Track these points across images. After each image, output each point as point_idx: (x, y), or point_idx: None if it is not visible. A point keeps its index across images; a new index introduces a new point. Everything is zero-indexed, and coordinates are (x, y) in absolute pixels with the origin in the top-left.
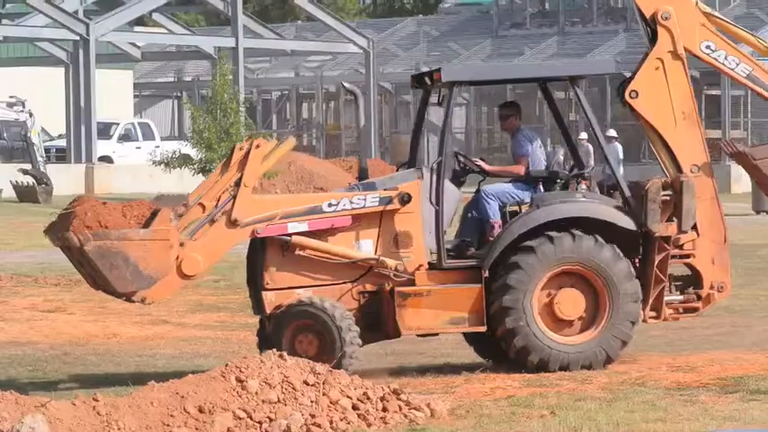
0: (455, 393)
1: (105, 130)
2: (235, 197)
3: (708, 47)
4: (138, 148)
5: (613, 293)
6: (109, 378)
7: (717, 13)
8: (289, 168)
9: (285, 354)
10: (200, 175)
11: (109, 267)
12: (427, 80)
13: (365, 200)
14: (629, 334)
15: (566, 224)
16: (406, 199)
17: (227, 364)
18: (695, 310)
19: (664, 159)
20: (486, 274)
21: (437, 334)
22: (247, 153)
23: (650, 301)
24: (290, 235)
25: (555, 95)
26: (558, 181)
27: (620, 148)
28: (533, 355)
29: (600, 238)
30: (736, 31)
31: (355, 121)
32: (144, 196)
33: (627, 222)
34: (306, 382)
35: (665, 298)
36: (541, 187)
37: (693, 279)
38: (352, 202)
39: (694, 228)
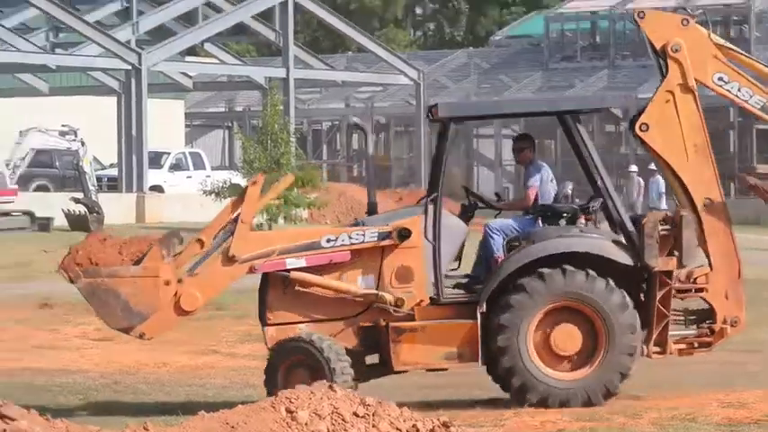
0: (505, 426)
1: (156, 160)
2: (232, 233)
3: (720, 78)
4: (189, 177)
5: (609, 326)
6: (159, 407)
7: (730, 45)
8: (338, 199)
9: (335, 385)
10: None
11: (100, 304)
12: (429, 115)
13: (364, 235)
14: (627, 366)
15: (561, 259)
16: (404, 234)
17: (277, 395)
18: (709, 344)
19: (677, 192)
20: (483, 309)
21: (435, 370)
22: (245, 190)
23: (654, 336)
24: (288, 271)
25: (578, 128)
26: (565, 215)
27: (661, 181)
28: (532, 393)
29: (592, 272)
30: (751, 63)
31: (365, 152)
32: (194, 225)
33: (622, 257)
34: (355, 414)
35: (680, 332)
36: (541, 222)
37: (707, 313)
38: (350, 238)
39: (708, 262)
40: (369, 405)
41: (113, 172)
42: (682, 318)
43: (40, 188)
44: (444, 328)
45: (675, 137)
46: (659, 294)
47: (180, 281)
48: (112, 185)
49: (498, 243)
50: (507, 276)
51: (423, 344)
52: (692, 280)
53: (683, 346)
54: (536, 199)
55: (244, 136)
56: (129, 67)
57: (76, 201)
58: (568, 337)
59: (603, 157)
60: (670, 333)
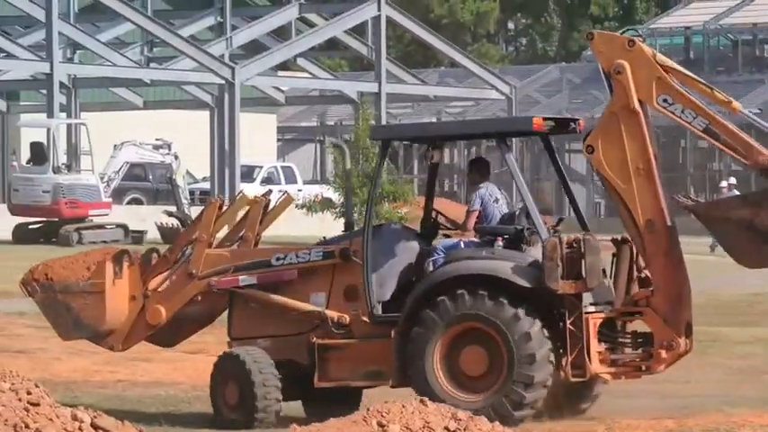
0: None
1: (249, 174)
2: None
3: (665, 100)
4: (281, 191)
5: (509, 353)
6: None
7: (677, 66)
8: None
9: (426, 399)
10: (342, 219)
11: (53, 317)
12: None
13: (309, 254)
14: (522, 395)
15: (477, 281)
16: (346, 254)
17: (368, 409)
18: (648, 369)
19: (622, 214)
20: (394, 331)
21: (355, 388)
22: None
23: (570, 358)
24: (241, 287)
25: (504, 149)
26: (505, 236)
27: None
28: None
29: (503, 297)
30: (696, 84)
31: (343, 172)
32: (285, 239)
33: (520, 279)
34: (447, 428)
35: (618, 356)
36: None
37: (647, 337)
38: (297, 257)
39: (648, 285)
40: (460, 419)
41: (206, 185)
42: (624, 341)
43: (133, 201)
44: (365, 347)
45: (619, 159)
46: (570, 317)
47: (146, 296)
48: (205, 199)
49: (438, 262)
50: (419, 298)
51: (345, 362)
52: (635, 303)
53: (614, 369)
54: (479, 221)
55: (336, 150)
56: (223, 82)
57: (169, 214)
58: (474, 360)
59: (697, 173)
60: (612, 357)
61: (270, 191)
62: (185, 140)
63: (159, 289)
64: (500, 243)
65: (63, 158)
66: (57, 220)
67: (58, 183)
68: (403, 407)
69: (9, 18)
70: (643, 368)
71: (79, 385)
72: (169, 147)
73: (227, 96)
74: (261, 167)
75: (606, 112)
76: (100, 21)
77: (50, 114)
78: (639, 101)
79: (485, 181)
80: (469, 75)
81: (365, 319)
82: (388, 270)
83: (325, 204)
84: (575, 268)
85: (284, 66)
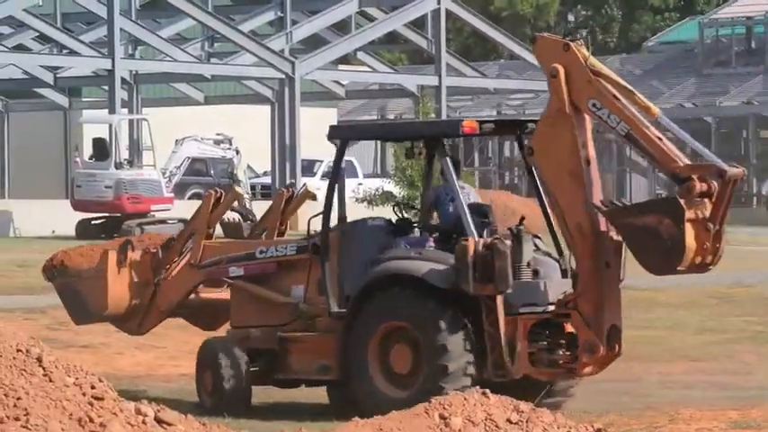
0: None
1: (309, 168)
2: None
3: (594, 104)
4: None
5: (428, 350)
6: (315, 413)
7: (606, 71)
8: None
9: (488, 391)
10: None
11: (66, 301)
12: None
13: (286, 248)
14: (443, 390)
15: (405, 280)
16: (316, 249)
17: (430, 401)
18: (572, 371)
19: (557, 217)
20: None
21: (310, 383)
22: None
23: (489, 358)
24: (231, 278)
25: (441, 153)
26: (454, 237)
27: None
28: (370, 407)
29: (425, 298)
30: (621, 89)
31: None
32: None
33: (438, 281)
34: (509, 420)
35: (548, 357)
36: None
37: (572, 339)
38: (276, 250)
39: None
40: (522, 411)
41: (267, 180)
42: (561, 342)
43: (195, 196)
44: (321, 341)
45: (554, 161)
46: (488, 318)
47: (157, 283)
48: (266, 193)
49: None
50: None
51: (303, 355)
52: (565, 305)
53: (547, 370)
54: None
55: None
56: (283, 76)
57: (231, 209)
58: (402, 357)
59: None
60: (545, 358)
61: (292, 183)
62: (246, 135)
63: (168, 278)
64: (431, 243)
65: (125, 154)
66: (119, 215)
67: (121, 178)
68: (465, 399)
69: (71, 15)
70: (572, 370)
71: (143, 379)
72: (230, 142)
73: (287, 91)
74: (321, 162)
75: (543, 116)
76: (161, 17)
77: (112, 110)
78: (573, 104)
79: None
80: (529, 67)
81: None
82: (357, 265)
83: (386, 198)
84: (487, 271)
85: (344, 60)
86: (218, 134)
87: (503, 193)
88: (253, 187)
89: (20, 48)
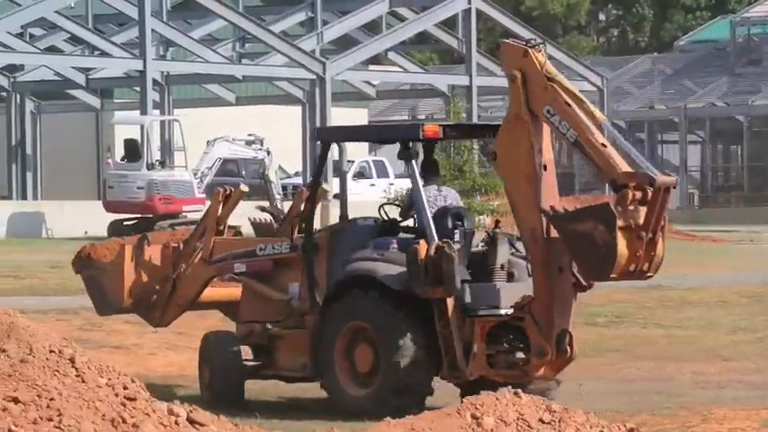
0: None
1: (340, 168)
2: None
3: (548, 111)
4: (373, 185)
5: (384, 350)
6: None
7: (560, 77)
8: None
9: (520, 391)
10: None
11: (90, 292)
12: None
13: (281, 246)
14: (396, 389)
15: (367, 282)
16: (306, 247)
17: (462, 401)
18: (527, 374)
19: (515, 220)
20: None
21: (293, 380)
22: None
23: (444, 359)
24: (236, 274)
25: (408, 155)
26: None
27: None
28: (339, 404)
29: (383, 300)
30: (572, 95)
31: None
32: None
33: (394, 283)
34: (541, 420)
35: (505, 359)
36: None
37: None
38: (273, 248)
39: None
40: (554, 411)
41: (298, 180)
42: (511, 345)
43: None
44: (302, 339)
45: (512, 166)
46: (439, 321)
47: (176, 277)
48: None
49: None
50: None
51: (285, 352)
52: (521, 308)
53: (503, 372)
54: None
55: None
56: (314, 77)
57: (262, 209)
58: (364, 356)
59: None
60: (501, 360)
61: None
62: (277, 136)
63: (185, 272)
64: (395, 245)
65: (157, 155)
66: (151, 216)
67: (152, 179)
68: (497, 399)
69: (103, 16)
70: (526, 373)
71: (175, 380)
72: (261, 142)
73: (318, 91)
74: (352, 162)
75: (504, 121)
76: (192, 18)
77: (144, 111)
78: (530, 110)
79: (430, 182)
80: (560, 66)
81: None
82: (341, 265)
83: None
84: (437, 274)
85: (375, 60)
86: (249, 135)
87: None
88: (284, 188)
89: (52, 49)
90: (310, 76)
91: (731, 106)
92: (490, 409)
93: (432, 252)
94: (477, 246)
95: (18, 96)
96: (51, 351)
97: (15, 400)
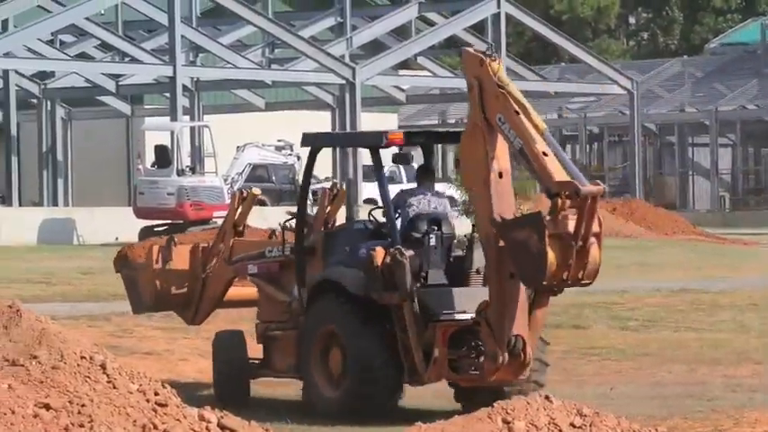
0: None
1: (371, 173)
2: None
3: (500, 119)
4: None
5: (349, 354)
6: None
7: (511, 86)
8: None
9: (551, 395)
10: (464, 216)
11: (127, 291)
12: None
13: (284, 249)
14: (360, 393)
15: (337, 286)
16: (298, 251)
17: (493, 406)
18: (482, 377)
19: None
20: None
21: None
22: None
23: (405, 363)
24: (249, 275)
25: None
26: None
27: None
28: (315, 405)
29: (348, 305)
30: (521, 105)
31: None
32: None
33: (355, 288)
34: (572, 425)
35: (463, 365)
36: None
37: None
38: (278, 250)
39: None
40: (585, 415)
41: (328, 186)
42: (473, 349)
43: (256, 202)
44: (290, 339)
45: (471, 173)
46: (397, 325)
47: (205, 276)
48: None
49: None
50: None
51: (278, 352)
52: (479, 313)
53: (464, 377)
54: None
55: (457, 148)
56: (344, 82)
57: (293, 215)
58: (336, 360)
59: None
60: (462, 365)
61: (334, 183)
62: None
63: (211, 272)
64: (364, 251)
65: (187, 161)
66: (181, 222)
67: (183, 185)
68: (528, 403)
69: (133, 23)
70: (482, 377)
71: (206, 386)
72: (291, 147)
73: (347, 96)
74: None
75: (465, 128)
76: (221, 24)
77: (174, 117)
78: (485, 118)
79: (421, 186)
80: (590, 70)
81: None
82: (368, 269)
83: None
84: (392, 280)
85: (404, 65)
86: (279, 140)
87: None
88: (314, 192)
89: (82, 56)
90: (340, 81)
91: (762, 109)
92: (521, 413)
93: (388, 258)
94: (460, 251)
95: (49, 103)
96: (83, 357)
97: (47, 407)
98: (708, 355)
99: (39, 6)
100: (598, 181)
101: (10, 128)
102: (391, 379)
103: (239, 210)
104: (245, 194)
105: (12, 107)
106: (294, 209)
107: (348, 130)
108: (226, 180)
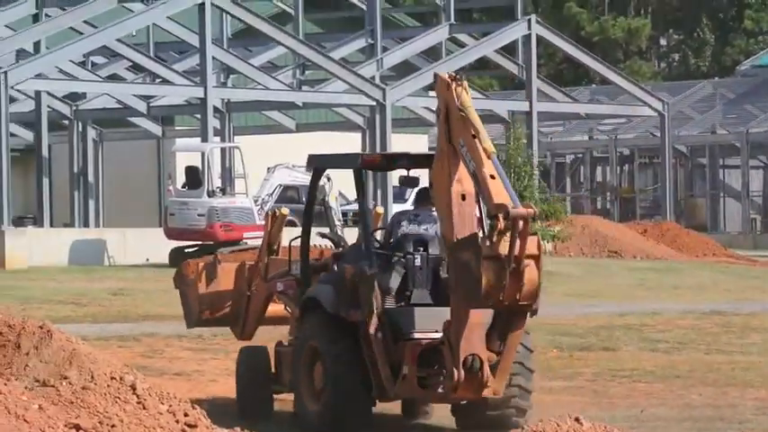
0: None
1: (401, 194)
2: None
3: (461, 143)
4: (433, 211)
5: (325, 370)
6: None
7: (470, 110)
8: (582, 231)
9: (582, 417)
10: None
11: (183, 306)
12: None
13: (291, 268)
14: (334, 407)
15: (317, 303)
16: (316, 269)
17: (523, 428)
18: (444, 394)
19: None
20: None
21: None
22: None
23: (373, 380)
24: (278, 292)
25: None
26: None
27: None
28: (300, 419)
29: (325, 318)
30: (477, 129)
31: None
32: None
33: (330, 305)
34: None
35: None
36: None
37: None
38: (297, 269)
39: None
40: None
41: (371, 209)
42: (440, 367)
43: (287, 224)
44: (290, 354)
45: (439, 196)
46: (364, 342)
47: (250, 293)
48: (358, 220)
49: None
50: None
51: (284, 367)
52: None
53: (431, 393)
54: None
55: None
56: (374, 103)
57: (323, 236)
58: (318, 373)
59: None
60: (432, 382)
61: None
62: None
63: (253, 289)
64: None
65: (217, 182)
66: (212, 243)
67: (213, 206)
68: (557, 425)
69: (164, 44)
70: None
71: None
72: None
73: (378, 117)
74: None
75: (436, 151)
76: (252, 45)
77: (205, 138)
78: (449, 141)
79: (418, 208)
80: (621, 92)
81: None
82: (338, 286)
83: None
84: (356, 298)
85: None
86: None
87: (594, 218)
88: (345, 214)
89: (113, 77)
90: (370, 102)
91: None
92: None
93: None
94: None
95: (80, 124)
96: (113, 378)
97: (77, 427)
98: (739, 378)
99: (70, 28)
100: (530, 204)
101: (42, 149)
102: (362, 394)
103: (271, 230)
104: (276, 214)
105: (43, 128)
106: (325, 230)
107: (378, 151)
108: (256, 201)
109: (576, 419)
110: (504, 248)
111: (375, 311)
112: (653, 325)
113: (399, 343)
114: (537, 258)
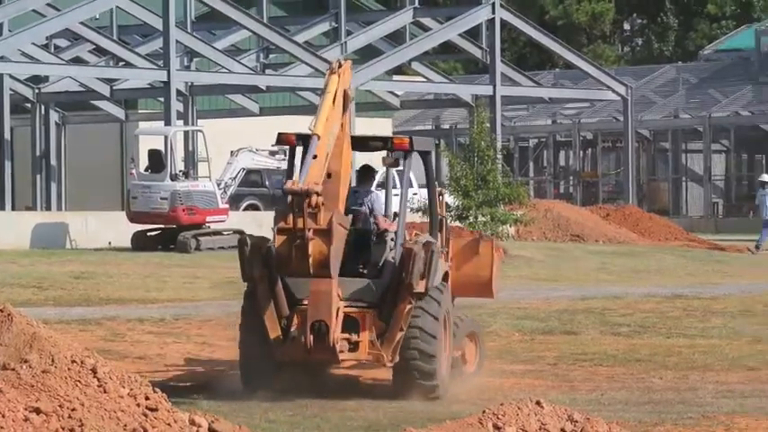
0: None
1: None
2: None
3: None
4: (396, 195)
5: None
6: (367, 422)
7: (327, 95)
8: (545, 216)
9: (542, 400)
10: (458, 221)
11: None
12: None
13: None
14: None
15: None
16: None
17: (484, 411)
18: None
19: None
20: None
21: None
22: None
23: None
24: None
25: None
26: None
27: None
28: None
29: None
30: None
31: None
32: None
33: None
34: (563, 430)
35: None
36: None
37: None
38: None
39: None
40: (576, 421)
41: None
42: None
43: (250, 207)
44: None
45: None
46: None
47: None
48: None
49: None
50: None
51: None
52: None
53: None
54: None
55: (450, 153)
56: None
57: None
58: None
59: None
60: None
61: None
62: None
63: None
64: None
65: (180, 166)
66: (174, 226)
67: (176, 190)
68: (518, 408)
69: (127, 27)
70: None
71: (198, 390)
72: (285, 153)
73: None
74: (376, 172)
75: None
76: (216, 28)
77: (168, 122)
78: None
79: (359, 184)
80: (585, 76)
81: None
82: None
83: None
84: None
85: (399, 70)
86: (272, 145)
87: (557, 203)
88: None
89: (76, 60)
90: None
91: (756, 115)
92: (512, 418)
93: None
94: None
95: (43, 107)
96: (73, 361)
97: (37, 411)
98: (699, 361)
99: (33, 11)
100: (314, 182)
101: (3, 132)
102: (256, 354)
103: None
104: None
105: (5, 111)
106: None
107: None
108: (219, 185)
109: (538, 403)
110: (287, 222)
111: (255, 278)
112: (615, 309)
113: (293, 309)
114: (323, 232)
